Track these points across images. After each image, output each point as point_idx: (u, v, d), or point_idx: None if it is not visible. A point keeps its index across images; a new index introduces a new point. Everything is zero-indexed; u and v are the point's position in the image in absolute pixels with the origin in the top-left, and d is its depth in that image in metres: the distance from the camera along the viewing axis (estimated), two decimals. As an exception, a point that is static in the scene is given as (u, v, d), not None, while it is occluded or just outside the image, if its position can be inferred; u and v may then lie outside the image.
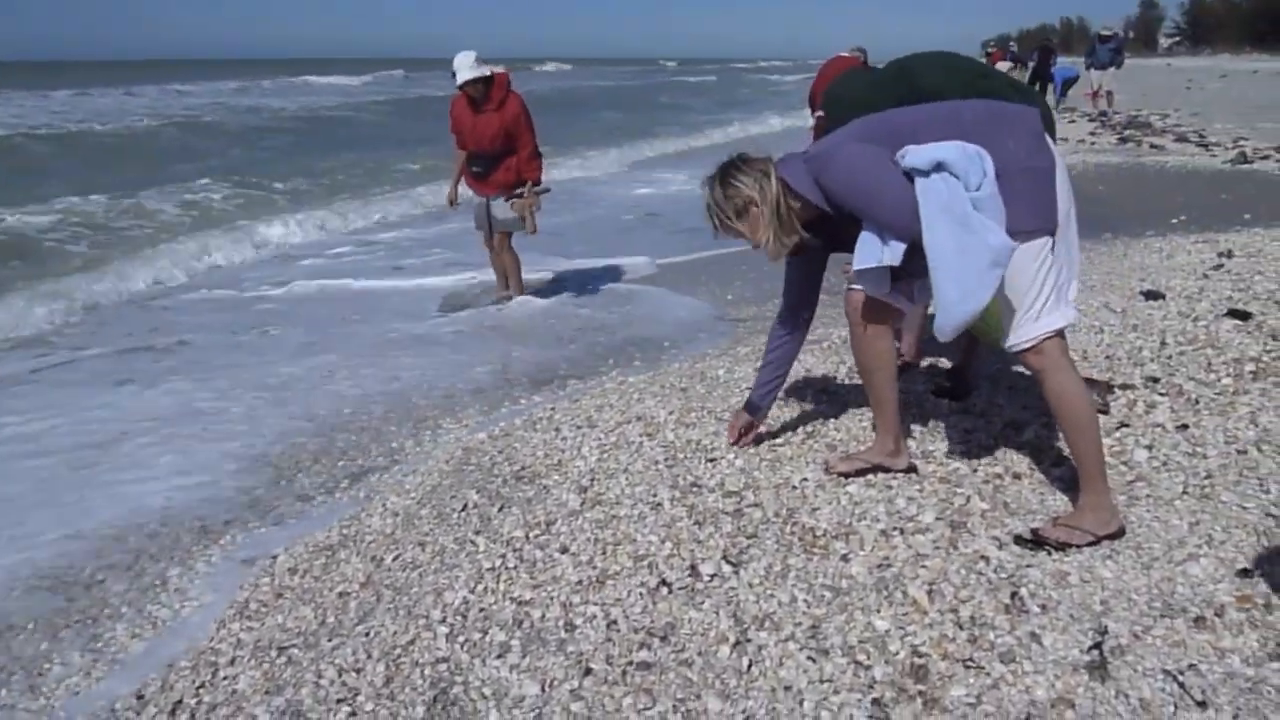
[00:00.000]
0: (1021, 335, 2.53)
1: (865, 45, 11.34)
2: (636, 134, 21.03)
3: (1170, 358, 3.87)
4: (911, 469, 3.06)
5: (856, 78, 3.73)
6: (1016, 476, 3.04)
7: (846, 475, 3.05)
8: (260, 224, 10.32)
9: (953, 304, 2.43)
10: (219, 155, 17.02)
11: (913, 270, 2.60)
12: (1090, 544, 2.57)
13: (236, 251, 9.28)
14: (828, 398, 3.77)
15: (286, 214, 10.92)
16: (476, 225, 6.71)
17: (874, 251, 2.58)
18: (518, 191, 6.42)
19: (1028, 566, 2.49)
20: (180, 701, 2.41)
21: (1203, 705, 1.98)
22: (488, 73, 6.09)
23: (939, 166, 2.40)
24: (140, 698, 2.47)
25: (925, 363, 4.07)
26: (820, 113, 12.78)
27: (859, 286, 2.74)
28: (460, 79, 6.07)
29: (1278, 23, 64.33)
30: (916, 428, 3.44)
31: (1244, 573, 2.41)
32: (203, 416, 4.76)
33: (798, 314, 3.14)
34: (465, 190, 6.73)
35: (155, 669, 2.59)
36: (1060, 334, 2.57)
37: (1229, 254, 5.82)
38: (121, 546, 3.43)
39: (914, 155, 2.45)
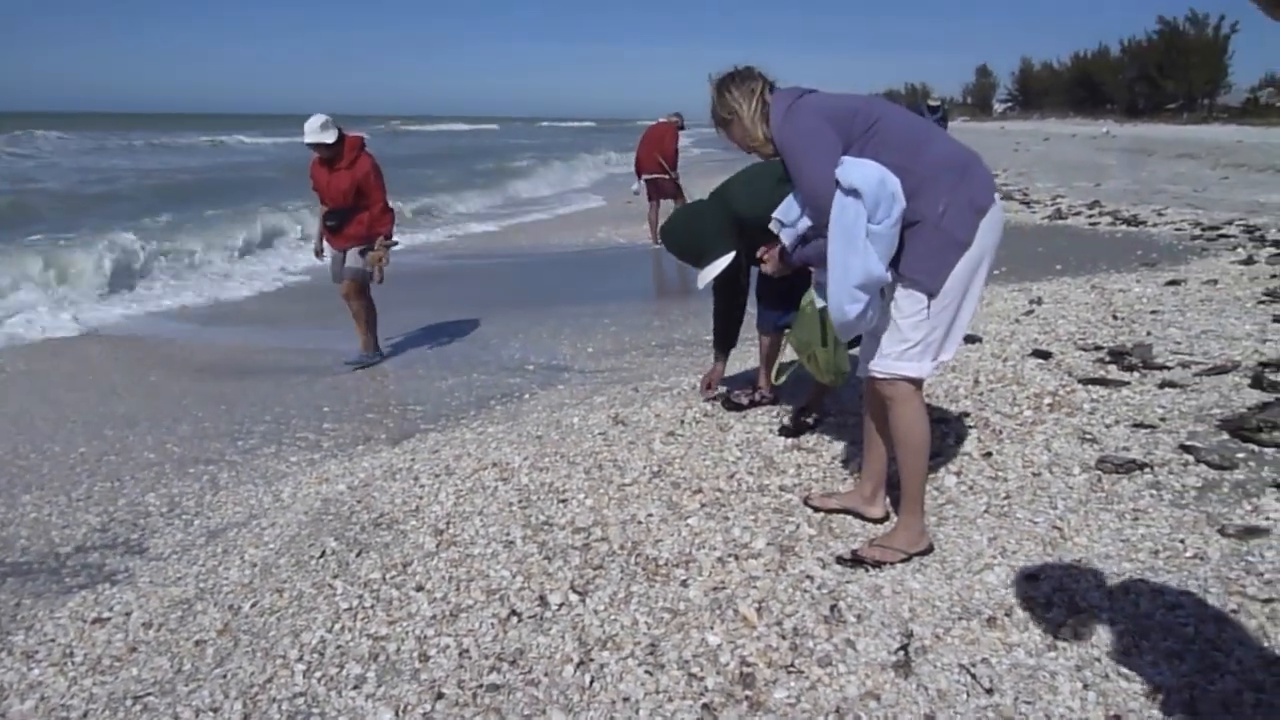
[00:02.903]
0: (878, 365, 2.83)
1: (682, 110, 12.18)
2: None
3: (982, 394, 4.28)
4: (886, 518, 3.20)
5: (682, 217, 4.13)
6: (841, 504, 3.33)
7: (822, 510, 3.27)
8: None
9: (831, 308, 2.79)
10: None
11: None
12: (903, 560, 2.87)
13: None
14: (674, 440, 4.01)
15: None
16: (334, 279, 6.95)
17: (787, 209, 3.05)
18: (368, 246, 6.71)
19: (847, 583, 2.76)
20: (30, 758, 2.41)
21: (990, 691, 2.26)
22: (330, 139, 6.42)
23: (854, 192, 2.64)
24: (-14, 760, 2.45)
25: (778, 406, 4.36)
26: (647, 177, 13.40)
27: (883, 372, 2.86)
28: (306, 140, 6.45)
29: (1094, 90, 70.09)
30: (755, 464, 3.71)
31: (1031, 578, 2.74)
32: (39, 473, 4.66)
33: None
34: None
35: (2, 731, 2.57)
36: (915, 380, 2.84)
37: (1039, 301, 6.41)
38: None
39: (845, 169, 2.67)
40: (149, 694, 2.58)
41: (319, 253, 7.07)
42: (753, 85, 2.94)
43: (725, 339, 4.51)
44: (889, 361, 2.81)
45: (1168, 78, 62.14)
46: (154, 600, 3.21)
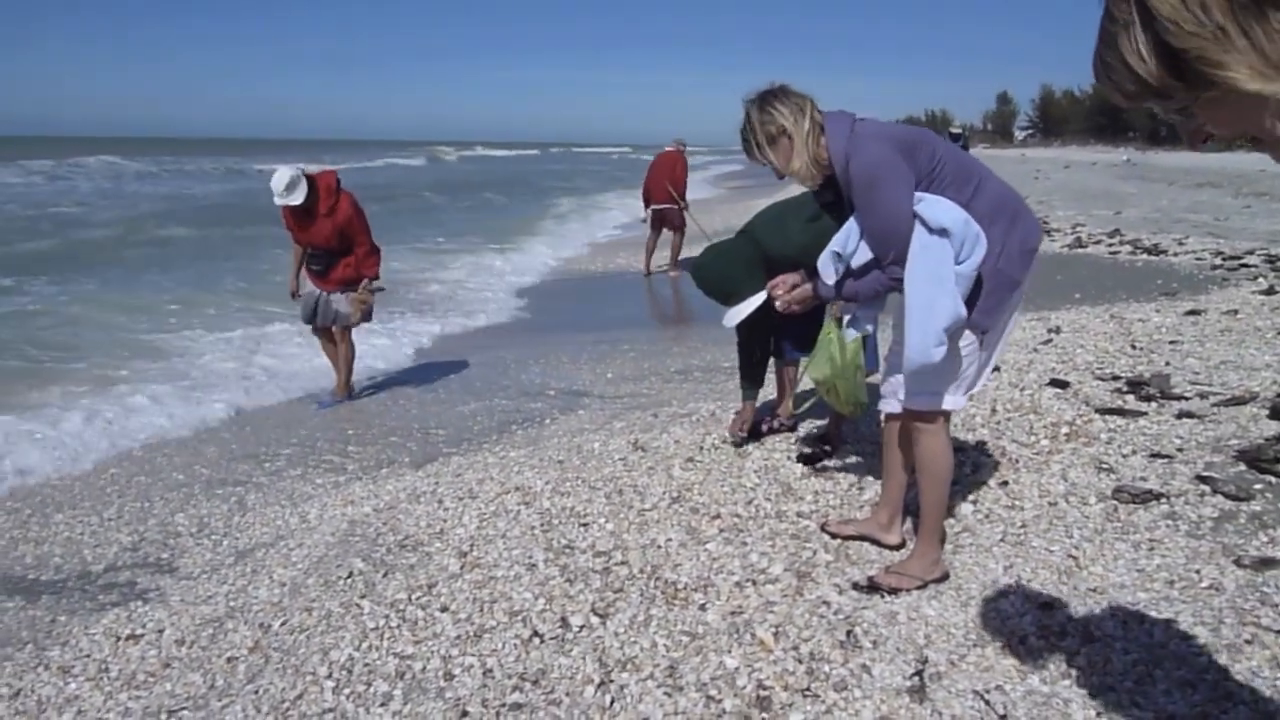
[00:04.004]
0: (914, 401, 2.86)
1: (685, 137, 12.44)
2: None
3: (999, 423, 4.31)
4: (901, 544, 3.21)
5: (713, 260, 3.97)
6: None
7: (840, 537, 3.28)
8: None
9: (913, 349, 2.70)
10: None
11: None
12: (919, 588, 2.91)
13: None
14: (693, 466, 4.07)
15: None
16: (304, 318, 6.69)
17: (845, 240, 2.86)
18: (355, 288, 6.48)
19: (863, 609, 2.80)
20: (68, 771, 2.49)
21: (1004, 718, 2.29)
22: (298, 200, 6.09)
23: (944, 232, 2.61)
24: (25, 772, 2.53)
25: (796, 434, 4.41)
26: (655, 207, 13.57)
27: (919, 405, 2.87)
28: (275, 202, 6.15)
29: (1115, 117, 69.86)
30: (773, 490, 3.76)
31: (1046, 606, 2.77)
32: (71, 493, 4.76)
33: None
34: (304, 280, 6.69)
35: (41, 743, 2.65)
36: (947, 412, 2.88)
37: (1058, 330, 6.43)
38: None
39: (929, 207, 2.64)
40: (183, 709, 2.67)
41: (294, 293, 6.74)
42: (800, 102, 2.82)
43: (752, 376, 4.36)
44: (923, 396, 2.84)
45: (1190, 105, 61.73)
46: (185, 618, 3.30)
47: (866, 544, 3.25)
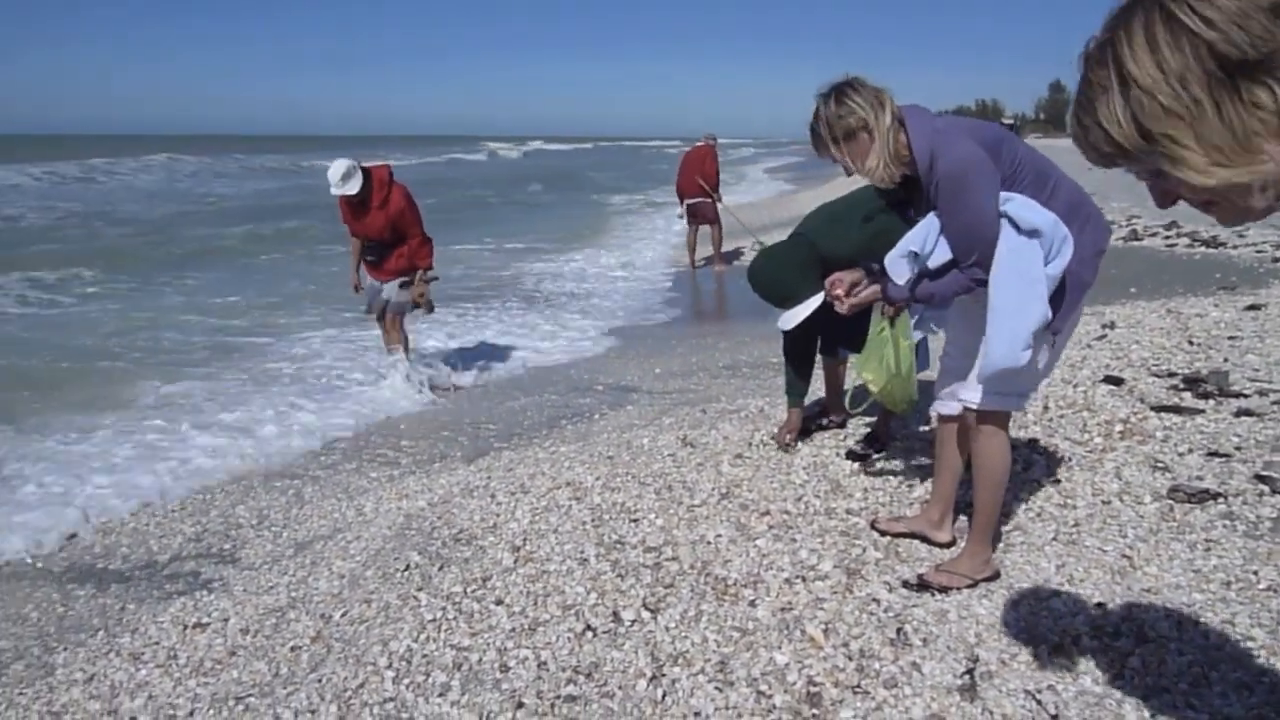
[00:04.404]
0: (990, 402, 2.84)
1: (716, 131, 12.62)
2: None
3: (1051, 420, 4.27)
4: (952, 543, 3.20)
5: (767, 262, 3.88)
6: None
7: (889, 535, 3.28)
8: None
9: (998, 353, 2.64)
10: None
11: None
12: (969, 586, 2.91)
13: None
14: (742, 462, 4.10)
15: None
16: (368, 309, 6.96)
17: (923, 240, 2.72)
18: (409, 279, 6.69)
19: (913, 606, 2.81)
20: (141, 753, 2.60)
21: (1055, 718, 2.30)
22: (354, 189, 6.25)
23: (1035, 233, 2.56)
24: (101, 752, 2.65)
25: (845, 431, 4.41)
26: (690, 202, 13.71)
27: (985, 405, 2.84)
28: (332, 192, 6.34)
29: (1173, 106, 68.06)
30: (822, 487, 3.77)
31: (1099, 606, 2.76)
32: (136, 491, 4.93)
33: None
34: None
35: (115, 724, 2.77)
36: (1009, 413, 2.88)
37: (1112, 325, 6.32)
38: (63, 621, 3.60)
39: (1019, 207, 2.58)
40: (249, 695, 2.77)
41: (357, 286, 6.99)
42: (879, 95, 2.68)
43: (799, 381, 4.23)
44: (991, 396, 2.82)
45: (1251, 92, 60.04)
46: (249, 607, 3.41)
47: (916, 542, 3.25)
